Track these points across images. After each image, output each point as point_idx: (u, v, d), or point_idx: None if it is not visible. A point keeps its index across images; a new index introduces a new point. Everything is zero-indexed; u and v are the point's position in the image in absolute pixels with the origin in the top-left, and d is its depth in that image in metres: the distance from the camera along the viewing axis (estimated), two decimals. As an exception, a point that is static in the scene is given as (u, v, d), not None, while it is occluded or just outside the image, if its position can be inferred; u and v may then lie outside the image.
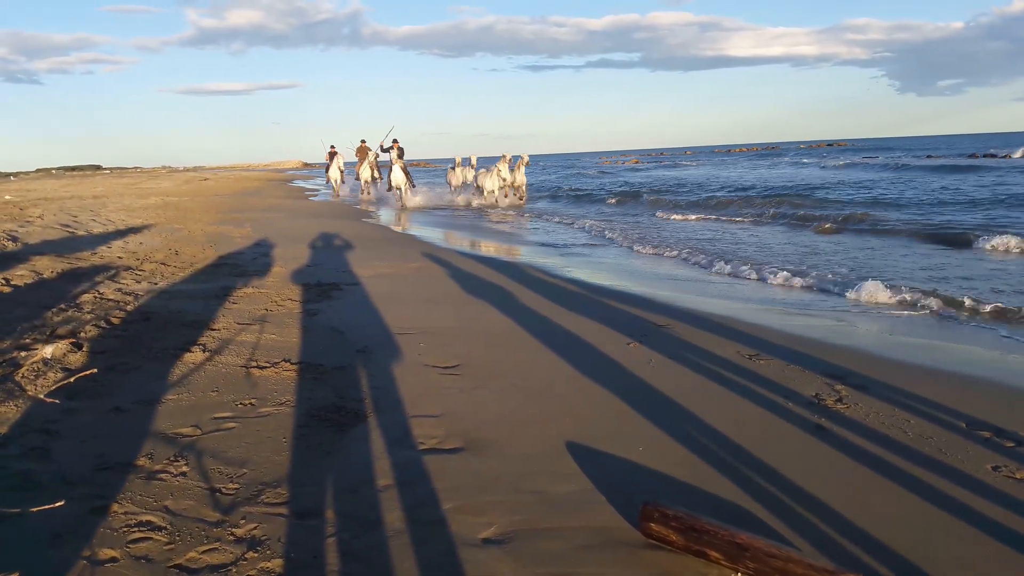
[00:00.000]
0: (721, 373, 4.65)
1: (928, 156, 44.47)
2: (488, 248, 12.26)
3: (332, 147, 30.47)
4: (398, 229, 15.18)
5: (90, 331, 4.59)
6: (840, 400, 4.11)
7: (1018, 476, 3.15)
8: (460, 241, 13.07)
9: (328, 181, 31.05)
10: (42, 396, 2.67)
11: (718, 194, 23.02)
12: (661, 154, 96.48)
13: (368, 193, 28.10)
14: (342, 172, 30.46)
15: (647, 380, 4.51)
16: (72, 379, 2.27)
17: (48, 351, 2.83)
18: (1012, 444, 3.48)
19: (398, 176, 23.78)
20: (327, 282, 7.60)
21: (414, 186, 25.55)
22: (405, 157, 25.45)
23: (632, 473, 3.23)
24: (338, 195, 29.03)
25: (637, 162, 64.91)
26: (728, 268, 9.32)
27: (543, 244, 12.89)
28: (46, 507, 1.97)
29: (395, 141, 25.45)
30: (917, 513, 2.87)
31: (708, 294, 7.75)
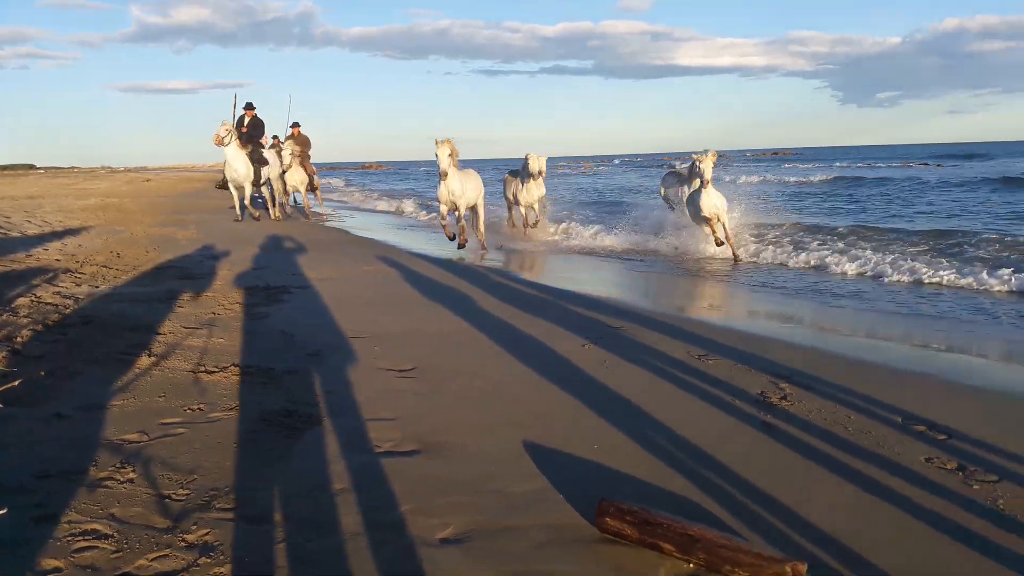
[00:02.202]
0: (672, 373, 4.73)
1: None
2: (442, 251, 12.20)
3: (275, 138, 18.61)
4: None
5: (26, 335, 4.44)
6: (785, 398, 4.22)
7: (948, 467, 3.30)
8: (413, 243, 12.98)
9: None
10: None
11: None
12: (611, 161, 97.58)
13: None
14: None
15: (602, 380, 4.56)
16: (16, 382, 2.19)
17: None
18: (944, 437, 3.63)
19: (295, 175, 16.59)
20: (276, 285, 7.49)
21: (314, 189, 18.20)
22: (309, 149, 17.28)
23: (589, 471, 3.26)
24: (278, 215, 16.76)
25: (590, 167, 65.66)
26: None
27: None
28: (-13, 515, 1.90)
29: (296, 126, 17.24)
30: (857, 503, 2.98)
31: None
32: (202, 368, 4.48)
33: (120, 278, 7.26)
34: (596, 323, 6.20)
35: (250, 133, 15.45)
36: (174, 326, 5.40)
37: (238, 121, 15.59)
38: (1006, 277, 7.98)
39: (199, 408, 3.83)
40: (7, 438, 3.24)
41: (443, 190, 10.98)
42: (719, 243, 10.74)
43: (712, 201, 10.47)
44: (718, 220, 10.63)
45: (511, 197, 13.84)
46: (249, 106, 15.90)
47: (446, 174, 10.64)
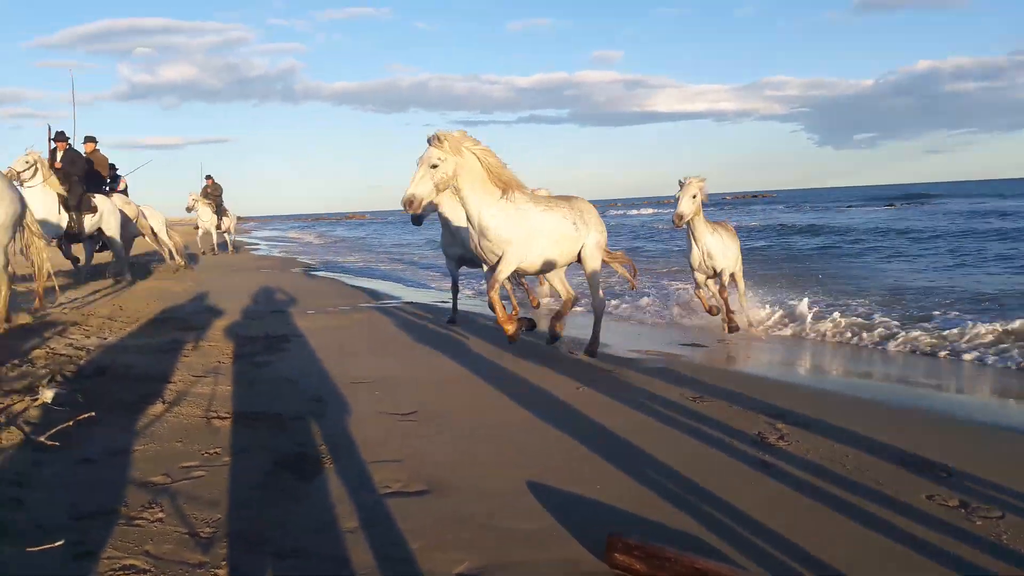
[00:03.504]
0: (668, 414, 4.88)
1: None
2: (432, 297, 12.38)
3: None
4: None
5: (47, 386, 4.55)
6: (782, 437, 4.36)
7: (951, 504, 3.40)
8: (403, 292, 13.14)
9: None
10: (42, 439, 2.70)
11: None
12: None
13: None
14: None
15: (599, 421, 4.70)
16: (72, 422, 2.33)
17: (48, 396, 2.86)
18: (944, 475, 3.74)
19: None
20: (275, 334, 7.63)
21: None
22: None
23: (593, 509, 3.39)
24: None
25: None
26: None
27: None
28: (46, 547, 2.03)
29: (89, 141, 13.60)
30: (858, 538, 3.08)
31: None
32: (213, 414, 4.61)
33: (125, 330, 7.38)
34: (589, 367, 6.36)
35: (65, 170, 11.62)
36: (182, 375, 5.53)
37: (50, 156, 11.84)
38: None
39: (215, 452, 3.95)
40: (40, 482, 3.34)
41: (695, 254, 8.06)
42: (716, 312, 8.34)
43: (705, 250, 8.00)
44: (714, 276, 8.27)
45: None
46: (61, 136, 12.13)
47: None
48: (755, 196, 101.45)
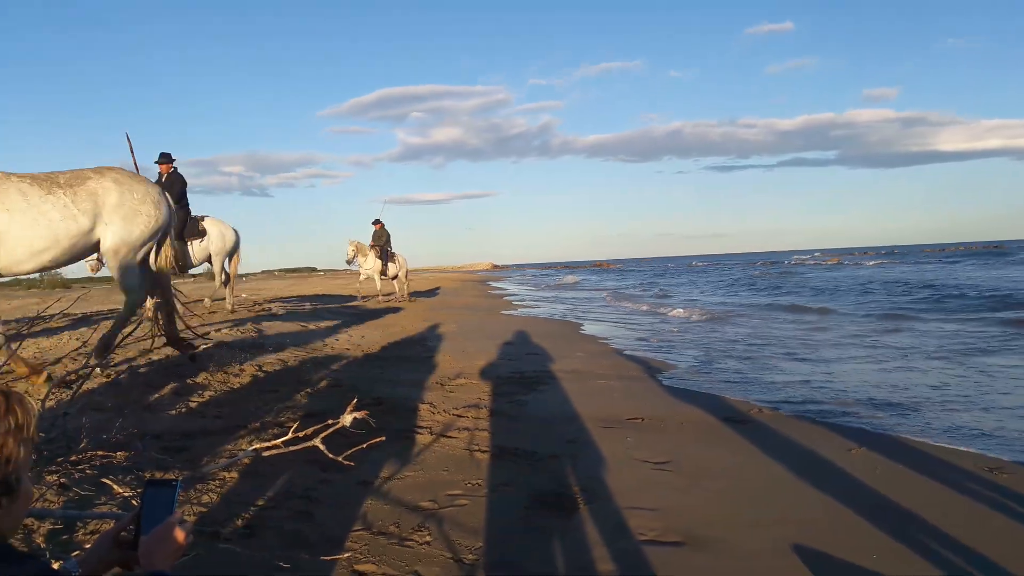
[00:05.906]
0: (959, 483, 4.31)
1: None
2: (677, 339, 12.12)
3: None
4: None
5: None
6: (1109, 522, 3.67)
7: None
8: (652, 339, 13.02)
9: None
10: (340, 459, 3.06)
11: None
12: (865, 253, 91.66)
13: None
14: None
15: (874, 487, 4.27)
16: (365, 445, 2.62)
17: (348, 420, 3.25)
18: None
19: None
20: (530, 375, 7.91)
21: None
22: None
23: (868, 580, 3.08)
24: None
25: (838, 260, 61.90)
26: None
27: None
28: (335, 557, 2.25)
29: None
30: None
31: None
32: (475, 447, 4.87)
33: (400, 365, 8.09)
34: (860, 427, 5.83)
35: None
36: (447, 408, 5.92)
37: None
38: None
39: (477, 483, 4.16)
40: (326, 498, 3.74)
41: None
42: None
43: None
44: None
45: None
46: (164, 159, 10.90)
47: None
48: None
